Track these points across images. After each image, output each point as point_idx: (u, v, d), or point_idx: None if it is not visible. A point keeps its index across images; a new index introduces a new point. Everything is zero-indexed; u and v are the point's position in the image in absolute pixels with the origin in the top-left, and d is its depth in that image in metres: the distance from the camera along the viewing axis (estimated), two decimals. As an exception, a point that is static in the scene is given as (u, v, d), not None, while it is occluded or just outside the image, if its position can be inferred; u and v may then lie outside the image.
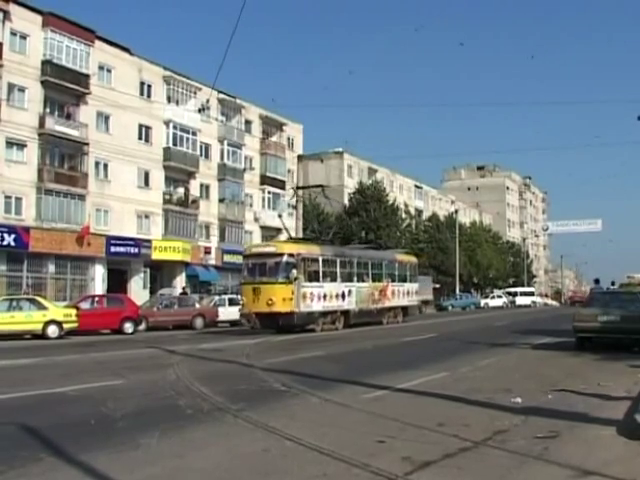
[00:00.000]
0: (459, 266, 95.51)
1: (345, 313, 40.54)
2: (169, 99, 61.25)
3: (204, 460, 8.73)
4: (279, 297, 34.94)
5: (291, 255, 35.96)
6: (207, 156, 65.79)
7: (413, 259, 52.86)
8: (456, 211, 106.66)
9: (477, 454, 8.86)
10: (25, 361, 22.04)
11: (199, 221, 62.78)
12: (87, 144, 52.35)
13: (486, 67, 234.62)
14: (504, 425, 10.55)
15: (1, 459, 8.55)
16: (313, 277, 37.68)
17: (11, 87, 48.03)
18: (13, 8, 48.24)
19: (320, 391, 13.77)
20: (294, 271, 35.41)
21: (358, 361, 21.52)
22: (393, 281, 46.58)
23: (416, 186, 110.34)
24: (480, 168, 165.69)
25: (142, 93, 58.92)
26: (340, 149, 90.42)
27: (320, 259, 38.34)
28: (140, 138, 58.14)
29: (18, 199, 48.04)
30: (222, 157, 67.35)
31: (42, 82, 49.84)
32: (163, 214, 58.73)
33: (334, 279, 39.54)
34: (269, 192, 73.38)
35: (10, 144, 47.67)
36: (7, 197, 47.35)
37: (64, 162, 51.85)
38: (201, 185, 65.06)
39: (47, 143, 49.58)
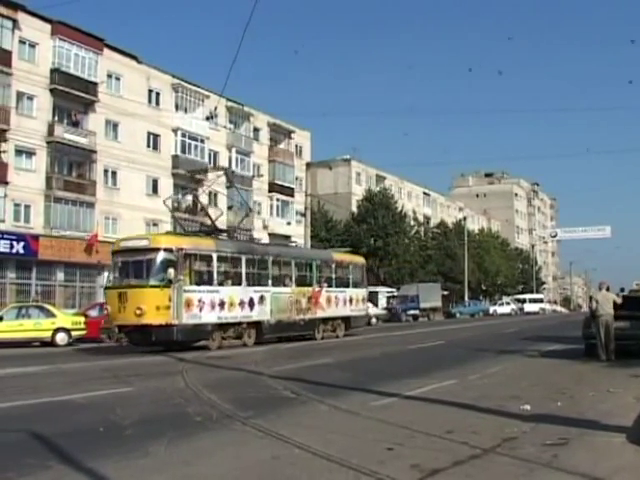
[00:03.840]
0: (467, 273, 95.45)
1: (256, 325, 32.44)
2: (177, 107, 61.43)
3: (213, 468, 8.70)
4: (151, 305, 27.14)
5: (169, 250, 28.16)
6: (215, 164, 65.81)
7: (358, 260, 44.93)
8: (464, 218, 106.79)
9: (486, 461, 8.81)
10: (34, 369, 22.04)
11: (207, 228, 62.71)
12: (96, 152, 52.49)
13: (494, 74, 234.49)
14: (513, 432, 10.48)
15: (10, 466, 8.54)
16: (205, 279, 30.14)
17: (20, 95, 48.21)
18: (22, 17, 48.44)
19: (328, 398, 13.74)
20: (171, 271, 27.44)
21: (366, 368, 21.44)
22: (330, 286, 38.16)
23: (424, 193, 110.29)
24: (488, 175, 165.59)
25: (150, 101, 59.14)
26: (348, 156, 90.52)
27: (214, 256, 30.30)
28: (149, 146, 58.36)
29: (27, 207, 48.18)
30: (230, 164, 67.35)
31: (51, 90, 50.05)
32: (172, 222, 58.78)
33: (238, 282, 31.63)
34: (277, 199, 73.49)
35: (19, 152, 47.80)
36: (16, 205, 47.47)
37: (73, 170, 52.02)
38: (209, 192, 65.00)
39: (56, 151, 49.70)
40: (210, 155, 64.92)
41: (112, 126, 55.10)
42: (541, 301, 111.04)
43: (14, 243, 46.05)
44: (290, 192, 74.41)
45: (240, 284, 31.70)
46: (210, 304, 29.48)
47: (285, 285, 34.86)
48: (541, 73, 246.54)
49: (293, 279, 35.53)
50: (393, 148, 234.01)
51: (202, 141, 63.29)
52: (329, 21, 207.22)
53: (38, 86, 49.21)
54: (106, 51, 54.44)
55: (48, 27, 50.34)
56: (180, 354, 26.10)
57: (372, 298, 69.83)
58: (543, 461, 8.74)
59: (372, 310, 63.07)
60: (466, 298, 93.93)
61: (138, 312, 26.90)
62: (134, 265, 28.66)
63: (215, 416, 11.99)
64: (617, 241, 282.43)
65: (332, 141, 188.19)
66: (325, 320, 37.75)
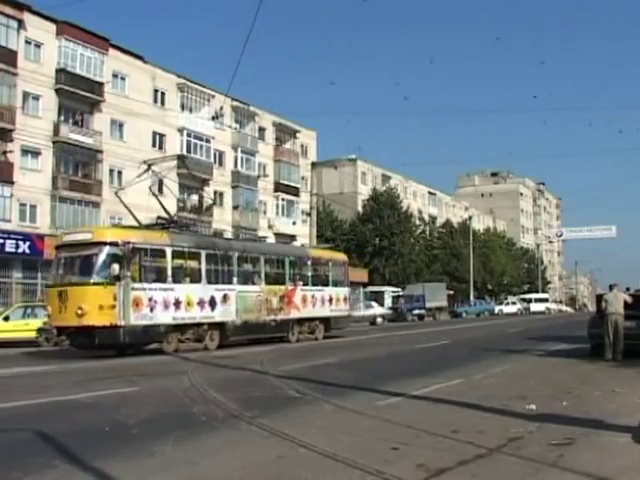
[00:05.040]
0: (473, 272, 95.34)
1: (219, 327, 30.13)
2: (183, 107, 61.56)
3: (218, 467, 8.72)
4: (93, 304, 24.82)
5: (114, 244, 25.78)
6: (221, 163, 66.02)
7: (339, 257, 42.02)
8: (470, 217, 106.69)
9: (492, 461, 8.82)
10: (39, 368, 22.09)
11: (213, 228, 62.79)
12: (101, 152, 52.56)
13: (499, 72, 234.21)
14: (519, 432, 10.47)
15: (16, 465, 8.56)
16: (158, 276, 27.84)
17: (26, 95, 48.31)
18: (28, 17, 48.52)
19: (334, 398, 13.74)
20: (116, 266, 25.11)
21: (372, 368, 21.42)
22: (306, 285, 35.87)
23: (430, 193, 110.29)
24: (494, 174, 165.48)
25: (156, 101, 59.26)
26: (354, 156, 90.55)
27: (168, 251, 27.87)
28: (154, 145, 58.40)
29: (33, 207, 48.23)
30: (236, 164, 67.55)
31: (56, 90, 50.12)
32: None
33: (197, 279, 29.36)
34: (283, 199, 73.56)
35: (25, 152, 47.87)
36: (22, 205, 47.52)
37: (78, 170, 52.04)
38: (215, 192, 65.16)
39: (61, 151, 49.77)
40: (215, 155, 65.04)
41: (118, 126, 55.21)
42: (547, 301, 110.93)
43: (20, 243, 46.07)
44: (296, 192, 74.48)
45: (200, 282, 29.36)
46: (163, 303, 27.09)
47: (253, 283, 32.63)
48: (546, 72, 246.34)
49: (262, 277, 33.18)
50: (398, 148, 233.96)
51: (207, 141, 63.39)
52: (334, 20, 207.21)
53: (44, 86, 49.29)
54: (111, 51, 54.53)
55: (53, 27, 50.41)
56: (185, 354, 26.09)
57: (378, 298, 70.11)
58: (549, 461, 8.74)
59: (378, 310, 63.23)
60: (472, 298, 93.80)
61: (79, 312, 24.53)
62: (76, 261, 26.52)
63: (221, 416, 12.00)
64: (623, 240, 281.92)
65: (338, 141, 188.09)
66: (301, 321, 35.43)
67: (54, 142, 49.23)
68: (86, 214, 51.07)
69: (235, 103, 66.57)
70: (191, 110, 62.05)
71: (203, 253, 29.73)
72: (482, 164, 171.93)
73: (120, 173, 54.59)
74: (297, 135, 77.20)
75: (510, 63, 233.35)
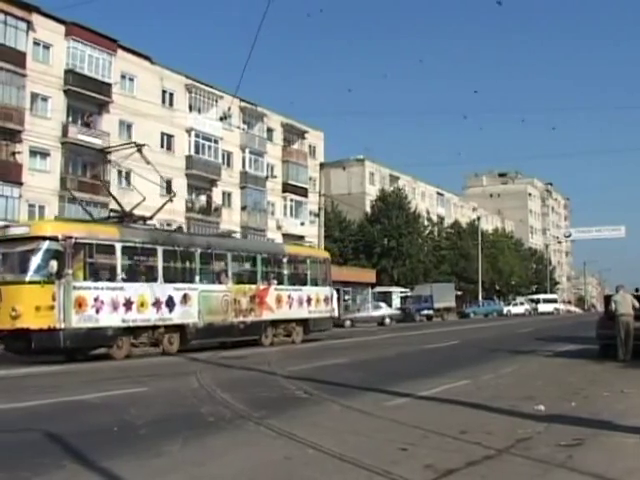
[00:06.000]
0: (481, 273, 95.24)
1: (179, 329, 27.55)
2: (191, 107, 61.71)
3: (226, 468, 8.73)
4: (29, 305, 22.34)
5: (53, 239, 23.20)
6: (229, 164, 66.16)
7: (320, 254, 39.73)
8: (478, 218, 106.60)
9: (500, 462, 8.79)
10: (46, 369, 22.10)
11: (221, 229, 62.80)
12: (109, 152, 52.62)
13: (508, 73, 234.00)
14: (527, 433, 10.44)
15: (25, 466, 8.57)
16: (105, 274, 25.20)
17: (34, 96, 48.53)
18: (36, 18, 48.74)
19: (342, 398, 13.73)
20: (54, 263, 22.60)
21: (380, 368, 21.40)
22: (281, 284, 33.16)
23: (438, 193, 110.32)
24: (502, 175, 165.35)
25: (164, 101, 59.44)
26: (361, 156, 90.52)
27: (118, 246, 25.14)
28: (162, 146, 58.55)
29: (41, 207, 48.35)
30: (244, 165, 67.67)
31: (65, 91, 50.38)
32: (185, 222, 58.79)
33: (153, 278, 26.71)
34: (291, 200, 73.64)
35: (34, 153, 48.03)
36: (31, 205, 47.63)
37: (87, 171, 52.14)
38: (223, 193, 65.32)
39: (70, 152, 49.88)
40: (224, 156, 65.20)
41: (126, 127, 55.38)
42: (555, 301, 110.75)
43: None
44: (304, 192, 74.55)
45: (156, 280, 26.66)
46: (111, 304, 24.41)
47: (220, 282, 30.01)
48: (554, 72, 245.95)
49: (230, 275, 30.64)
50: (406, 148, 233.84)
51: (216, 142, 63.51)
52: (341, 21, 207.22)
53: (52, 87, 49.50)
54: (120, 52, 54.74)
55: (62, 28, 50.63)
56: (194, 354, 26.06)
57: (386, 298, 70.15)
58: (557, 462, 8.72)
59: (386, 310, 63.18)
60: (480, 298, 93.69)
61: (13, 314, 22.02)
62: (13, 257, 23.78)
63: (228, 416, 11.99)
64: (631, 241, 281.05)
65: (345, 141, 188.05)
66: (275, 323, 32.75)
67: (63, 143, 49.39)
68: (94, 215, 51.07)
69: (243, 104, 66.66)
70: (199, 111, 62.19)
71: (160, 249, 26.92)
72: (490, 164, 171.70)
73: (128, 174, 54.65)
74: (305, 136, 77.29)
75: (517, 63, 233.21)
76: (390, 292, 74.73)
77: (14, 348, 23.82)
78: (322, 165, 67.44)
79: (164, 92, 59.51)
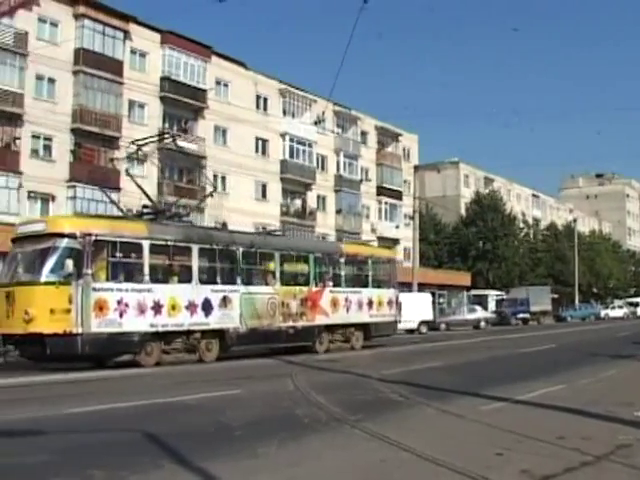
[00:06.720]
0: (578, 276, 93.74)
1: (218, 335, 25.50)
2: (285, 112, 61.98)
3: (321, 470, 8.73)
4: (43, 308, 20.76)
5: (71, 236, 21.56)
6: (323, 168, 66.33)
7: (382, 253, 37.36)
8: (574, 220, 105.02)
9: (599, 469, 8.53)
10: (143, 370, 22.31)
11: (316, 232, 63.05)
12: (205, 158, 53.33)
13: (601, 73, 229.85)
14: (627, 439, 10.12)
15: (124, 464, 8.68)
16: (131, 275, 23.32)
17: (132, 104, 49.50)
18: (133, 28, 49.74)
19: (436, 402, 13.60)
20: (69, 262, 20.96)
21: (475, 372, 21.17)
22: (338, 285, 30.81)
23: (533, 195, 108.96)
24: (598, 176, 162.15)
25: (258, 107, 59.84)
26: (456, 159, 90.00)
27: (145, 244, 23.26)
28: (257, 151, 59.08)
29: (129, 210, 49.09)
30: (338, 168, 67.78)
31: (161, 98, 51.25)
32: (281, 226, 59.10)
33: (186, 279, 24.69)
34: (386, 203, 73.46)
35: (131, 159, 48.78)
36: (128, 210, 48.29)
37: (183, 176, 52.87)
38: (318, 197, 65.54)
39: (166, 157, 50.58)
40: (318, 159, 65.35)
41: (221, 132, 56.03)
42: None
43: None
44: (398, 195, 74.31)
45: (190, 281, 24.70)
46: (137, 307, 22.64)
47: (266, 283, 27.92)
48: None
49: (277, 276, 28.22)
50: (501, 150, 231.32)
51: (310, 145, 63.70)
52: (435, 22, 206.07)
53: (149, 94, 50.38)
54: (214, 58, 55.40)
55: (158, 37, 51.54)
56: (289, 357, 26.11)
57: (481, 301, 69.73)
58: (660, 470, 8.44)
59: (481, 314, 62.75)
60: (577, 301, 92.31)
61: (26, 317, 20.54)
62: (28, 256, 22.37)
63: (324, 418, 12.01)
64: None
65: (440, 143, 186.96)
66: (331, 328, 30.58)
67: (159, 149, 50.07)
68: (191, 219, 51.76)
69: (337, 108, 66.73)
70: (293, 115, 62.48)
71: (195, 248, 24.94)
72: (586, 165, 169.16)
73: (224, 179, 55.33)
74: (399, 138, 77.00)
75: (611, 64, 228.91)
76: (485, 295, 74.27)
77: (28, 354, 22.22)
78: (416, 168, 67.30)
79: (258, 97, 59.94)
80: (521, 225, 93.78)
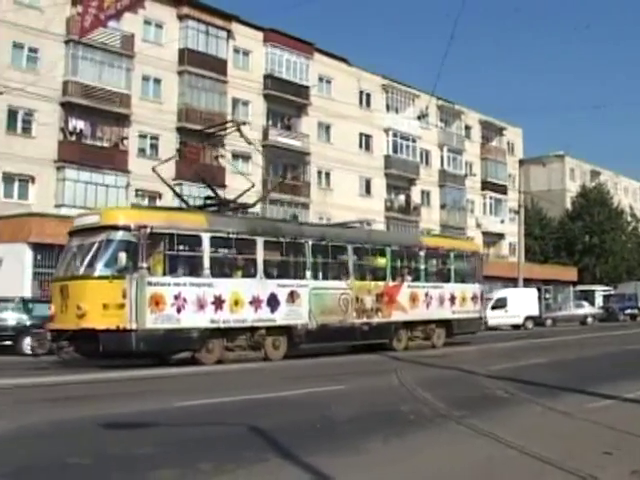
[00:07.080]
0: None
1: (285, 332, 24.38)
2: (388, 107, 61.92)
3: (426, 466, 8.68)
4: (95, 302, 20.18)
5: (126, 228, 20.93)
6: (427, 163, 66.14)
7: (466, 246, 35.63)
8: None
9: None
10: (249, 365, 22.43)
11: (420, 227, 62.79)
12: (309, 154, 53.62)
13: None
14: None
15: (230, 458, 8.78)
16: (191, 269, 22.56)
17: (235, 102, 50.10)
18: (235, 27, 50.39)
19: (543, 399, 13.35)
20: (122, 255, 20.39)
21: (582, 369, 20.70)
22: (416, 280, 29.30)
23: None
24: None
25: (361, 102, 59.91)
26: (561, 152, 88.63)
27: (205, 237, 22.29)
28: (360, 147, 59.22)
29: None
30: (442, 163, 67.49)
31: (265, 96, 51.77)
32: (385, 221, 59.05)
33: (250, 273, 23.83)
34: (490, 197, 72.86)
35: (235, 157, 49.32)
36: (235, 209, 48.88)
37: (287, 172, 53.25)
38: (422, 192, 65.34)
39: (271, 154, 51.02)
40: (422, 154, 65.18)
41: (324, 128, 56.29)
42: None
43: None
44: (503, 190, 73.63)
45: (254, 276, 23.65)
46: (197, 302, 21.73)
47: (338, 278, 26.64)
48: None
49: (351, 270, 26.73)
50: (607, 142, 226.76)
51: (413, 140, 63.53)
52: (538, 13, 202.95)
53: (252, 92, 50.90)
54: (316, 55, 55.64)
55: (260, 35, 52.11)
56: (393, 353, 26.01)
57: (588, 297, 68.46)
58: None
59: (588, 309, 61.65)
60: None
61: (78, 312, 19.99)
62: (82, 249, 21.53)
63: (429, 415, 11.92)
64: None
65: (544, 137, 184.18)
66: (409, 324, 28.93)
67: (263, 146, 50.55)
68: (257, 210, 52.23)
69: (440, 102, 66.32)
70: (396, 110, 62.34)
71: (259, 240, 23.70)
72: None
73: (328, 175, 55.56)
74: (503, 132, 76.19)
75: None
76: (592, 290, 72.82)
77: (82, 350, 21.10)
78: (521, 162, 66.44)
79: (361, 93, 59.98)
80: (629, 219, 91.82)
